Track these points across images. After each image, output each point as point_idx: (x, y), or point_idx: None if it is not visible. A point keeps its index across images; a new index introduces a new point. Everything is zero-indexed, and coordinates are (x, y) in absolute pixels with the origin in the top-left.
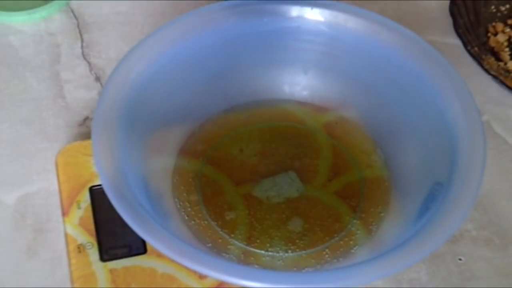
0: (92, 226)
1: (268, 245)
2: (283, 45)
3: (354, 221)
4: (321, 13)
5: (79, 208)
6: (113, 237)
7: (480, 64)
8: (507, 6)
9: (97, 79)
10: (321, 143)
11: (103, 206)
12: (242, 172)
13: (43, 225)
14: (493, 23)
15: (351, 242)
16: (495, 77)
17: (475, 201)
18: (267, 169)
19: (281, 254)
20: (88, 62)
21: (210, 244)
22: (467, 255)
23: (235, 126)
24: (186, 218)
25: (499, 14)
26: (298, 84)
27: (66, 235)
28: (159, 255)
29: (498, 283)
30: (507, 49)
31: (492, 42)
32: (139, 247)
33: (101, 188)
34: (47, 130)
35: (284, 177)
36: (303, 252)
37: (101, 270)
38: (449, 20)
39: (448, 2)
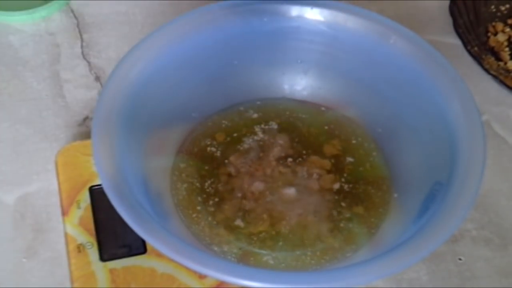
0: (92, 226)
1: (268, 245)
2: (283, 45)
3: (354, 221)
4: (321, 13)
5: (79, 208)
6: (113, 237)
7: (480, 64)
8: (507, 6)
9: (97, 79)
10: (321, 143)
11: (103, 206)
12: (241, 171)
13: (43, 225)
14: (493, 23)
15: (351, 242)
16: (495, 77)
17: (475, 201)
18: (267, 168)
19: (281, 254)
20: (88, 62)
21: (209, 244)
22: (467, 255)
23: (235, 126)
24: (186, 218)
25: (499, 14)
26: (298, 84)
27: (66, 235)
28: (159, 255)
29: (498, 283)
30: (507, 49)
31: (492, 41)
32: (139, 247)
33: (101, 188)
34: (46, 130)
35: (284, 176)
36: (303, 252)
37: (101, 270)
38: (449, 20)
39: (448, 2)
